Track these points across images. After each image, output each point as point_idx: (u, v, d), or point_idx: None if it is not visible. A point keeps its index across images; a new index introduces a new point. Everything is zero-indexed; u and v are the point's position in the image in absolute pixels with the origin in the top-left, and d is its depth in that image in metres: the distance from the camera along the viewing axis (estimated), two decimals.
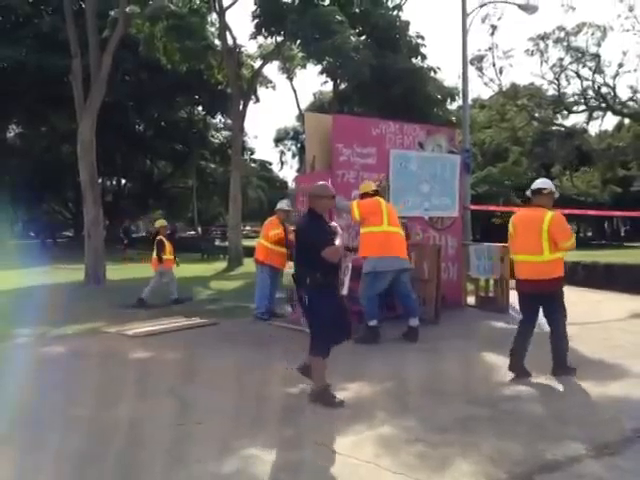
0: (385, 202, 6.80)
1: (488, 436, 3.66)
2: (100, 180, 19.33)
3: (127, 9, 13.29)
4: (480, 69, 26.82)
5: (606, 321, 7.60)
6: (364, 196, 6.84)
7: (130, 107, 29.72)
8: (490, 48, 26.35)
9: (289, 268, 7.55)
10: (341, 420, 3.96)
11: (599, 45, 26.21)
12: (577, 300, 7.92)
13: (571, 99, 28.61)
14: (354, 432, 3.75)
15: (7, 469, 3.34)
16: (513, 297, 8.89)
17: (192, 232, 41.04)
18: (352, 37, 13.10)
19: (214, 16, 16.51)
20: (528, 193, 5.12)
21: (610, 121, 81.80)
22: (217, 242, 29.10)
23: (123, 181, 42.78)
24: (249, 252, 19.63)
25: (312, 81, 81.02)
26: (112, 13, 14.42)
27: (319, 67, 15.23)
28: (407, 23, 15.55)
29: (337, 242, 4.17)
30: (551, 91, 28.88)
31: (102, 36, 13.52)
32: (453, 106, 19.31)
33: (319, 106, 26.04)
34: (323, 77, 15.63)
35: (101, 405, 4.37)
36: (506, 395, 4.53)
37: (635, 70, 32.49)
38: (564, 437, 3.63)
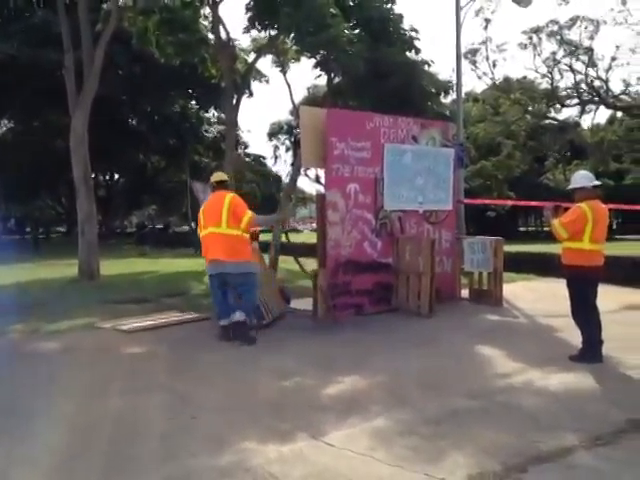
0: (207, 200, 6.45)
1: (482, 428, 3.68)
2: (93, 175, 19.23)
3: (120, 2, 13.18)
4: (474, 62, 26.76)
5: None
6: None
7: (123, 101, 29.53)
8: (484, 42, 26.27)
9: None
10: (335, 413, 3.97)
11: (592, 39, 26.17)
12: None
13: (564, 93, 28.60)
14: (348, 425, 3.76)
15: None
16: (507, 290, 8.98)
17: (186, 227, 40.95)
18: (346, 30, 13.04)
19: (207, 9, 16.39)
20: (589, 185, 5.40)
21: (603, 114, 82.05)
22: None
23: (116, 176, 42.67)
24: None
25: (306, 75, 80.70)
26: (105, 7, 14.31)
27: (313, 61, 15.13)
28: (400, 16, 15.45)
29: None
30: (544, 85, 28.87)
31: (94, 30, 13.41)
32: (447, 100, 19.29)
33: (313, 100, 25.93)
34: (317, 71, 15.50)
35: (95, 400, 4.37)
36: (500, 387, 4.55)
37: (628, 63, 32.27)
38: (557, 428, 3.66)
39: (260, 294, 6.87)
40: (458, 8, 11.99)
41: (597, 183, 5.52)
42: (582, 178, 5.52)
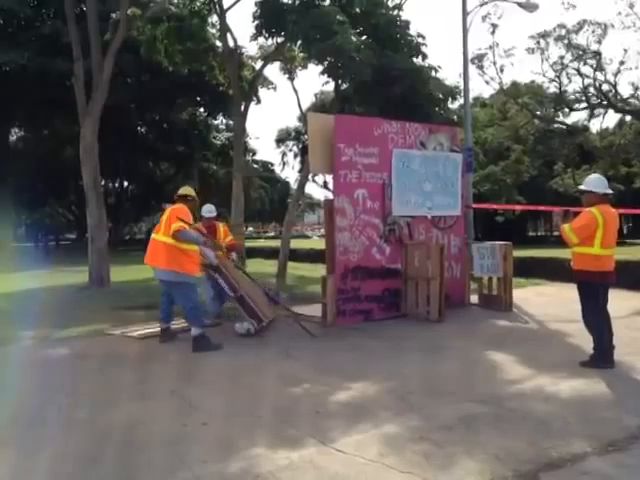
0: (168, 209, 6.49)
1: (493, 434, 3.66)
2: (103, 182, 19.36)
3: (128, 12, 13.30)
4: (481, 68, 26.73)
5: None
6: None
7: (132, 109, 29.76)
8: (491, 47, 26.24)
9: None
10: (345, 419, 3.96)
11: (600, 42, 26.11)
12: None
13: (572, 97, 28.53)
14: (358, 431, 3.75)
15: (10, 470, 3.34)
16: (516, 295, 8.93)
17: None
18: (353, 37, 13.08)
19: (215, 18, 16.51)
20: (600, 191, 5.33)
21: (612, 119, 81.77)
22: None
23: (126, 183, 42.88)
24: (251, 252, 19.69)
25: (313, 81, 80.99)
26: (114, 16, 14.44)
27: (320, 67, 15.18)
28: (407, 22, 15.48)
29: None
30: (552, 89, 28.81)
31: (104, 39, 13.54)
32: (454, 105, 19.28)
33: (320, 106, 26.03)
34: (324, 77, 15.52)
35: (105, 406, 4.39)
36: (510, 393, 4.53)
37: (636, 67, 32.36)
38: (569, 435, 3.63)
39: (250, 299, 6.86)
40: (465, 13, 12.03)
41: (609, 192, 5.42)
42: (595, 182, 5.43)
